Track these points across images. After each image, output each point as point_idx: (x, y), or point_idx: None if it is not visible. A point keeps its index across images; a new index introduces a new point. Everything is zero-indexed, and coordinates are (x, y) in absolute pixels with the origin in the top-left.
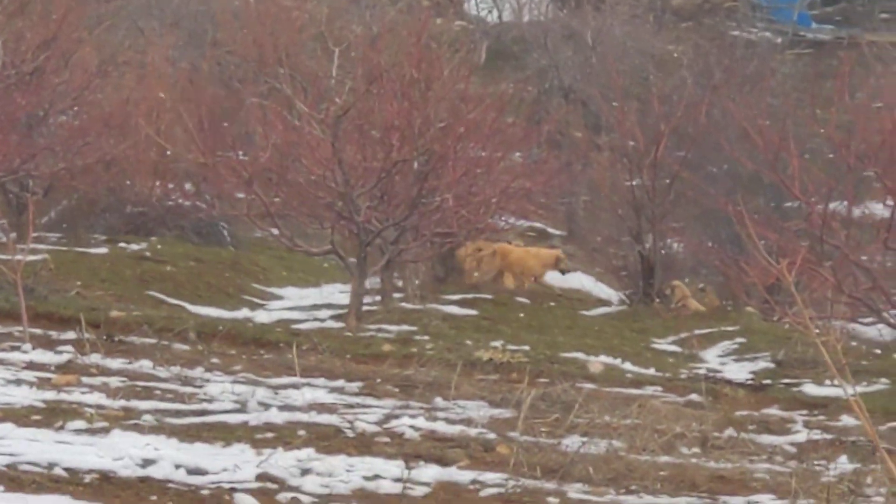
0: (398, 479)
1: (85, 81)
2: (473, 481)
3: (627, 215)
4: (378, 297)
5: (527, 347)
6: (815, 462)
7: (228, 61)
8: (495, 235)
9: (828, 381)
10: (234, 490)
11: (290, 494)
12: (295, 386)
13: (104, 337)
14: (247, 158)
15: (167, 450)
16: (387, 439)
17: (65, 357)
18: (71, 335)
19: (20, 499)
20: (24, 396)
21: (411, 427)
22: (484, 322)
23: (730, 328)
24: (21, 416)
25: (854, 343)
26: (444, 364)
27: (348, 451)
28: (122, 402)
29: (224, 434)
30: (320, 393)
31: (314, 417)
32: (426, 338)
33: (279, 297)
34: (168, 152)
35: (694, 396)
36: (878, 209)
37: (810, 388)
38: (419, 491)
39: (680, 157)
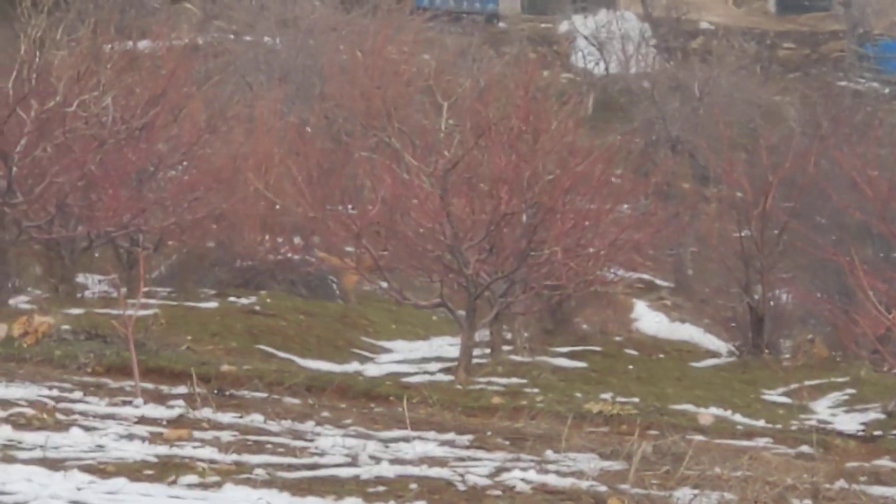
0: None
1: (194, 136)
2: None
3: (736, 266)
4: (487, 350)
5: (636, 399)
6: None
7: (336, 115)
8: (604, 287)
9: None
10: None
11: None
12: (406, 439)
13: (215, 391)
14: (355, 212)
15: None
16: (498, 492)
17: (176, 411)
18: (182, 389)
19: None
20: (137, 451)
21: (522, 480)
22: (593, 374)
23: (839, 379)
24: (134, 471)
25: None
26: (553, 416)
27: None
28: (234, 457)
29: (335, 488)
30: (431, 446)
31: (425, 471)
32: (536, 390)
33: (388, 351)
34: (277, 206)
35: (805, 448)
36: None
37: None
38: None
39: (788, 207)
